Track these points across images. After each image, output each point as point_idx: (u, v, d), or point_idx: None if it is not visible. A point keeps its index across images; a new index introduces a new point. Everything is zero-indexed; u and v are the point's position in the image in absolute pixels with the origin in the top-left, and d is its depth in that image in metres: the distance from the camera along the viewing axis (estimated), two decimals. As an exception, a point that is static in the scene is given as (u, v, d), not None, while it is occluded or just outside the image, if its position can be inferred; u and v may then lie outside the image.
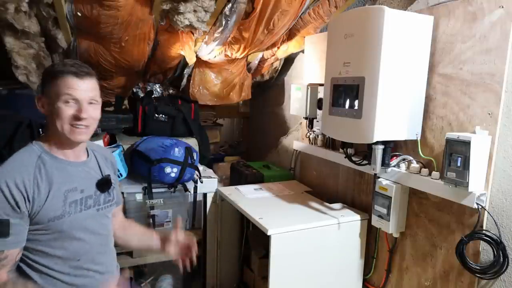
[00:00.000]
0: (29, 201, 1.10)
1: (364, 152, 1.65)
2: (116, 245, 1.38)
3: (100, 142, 1.97)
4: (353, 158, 1.71)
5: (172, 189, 2.03)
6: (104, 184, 1.28)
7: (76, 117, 1.14)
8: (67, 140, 1.17)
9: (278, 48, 2.34)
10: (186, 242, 1.40)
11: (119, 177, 1.83)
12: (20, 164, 1.12)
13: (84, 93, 1.15)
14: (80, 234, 1.21)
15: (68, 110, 1.13)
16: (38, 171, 1.13)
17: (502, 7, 1.22)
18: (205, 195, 2.15)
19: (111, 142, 2.17)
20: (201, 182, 2.11)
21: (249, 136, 3.50)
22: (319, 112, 2.01)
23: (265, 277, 1.68)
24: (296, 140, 2.39)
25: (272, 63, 2.60)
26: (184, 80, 2.53)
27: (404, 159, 1.56)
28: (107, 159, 1.39)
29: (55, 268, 1.17)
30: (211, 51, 2.20)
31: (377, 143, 1.47)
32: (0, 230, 1.06)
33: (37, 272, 1.16)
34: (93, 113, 1.18)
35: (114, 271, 1.36)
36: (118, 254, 1.41)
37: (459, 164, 1.25)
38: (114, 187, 1.36)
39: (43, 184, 1.13)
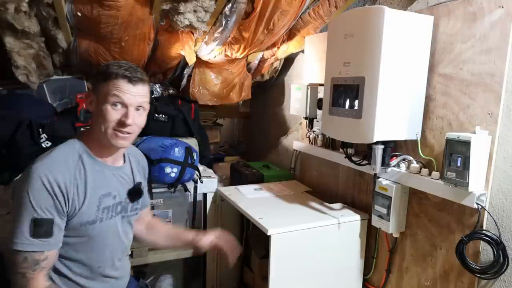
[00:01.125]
0: (68, 202, 1.08)
1: (364, 152, 1.65)
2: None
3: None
4: (353, 158, 1.71)
5: (172, 189, 2.03)
6: (135, 194, 1.27)
7: (121, 123, 1.11)
8: (108, 143, 1.14)
9: (278, 48, 2.34)
10: (229, 238, 1.43)
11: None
12: (62, 162, 1.09)
13: (133, 98, 1.12)
14: (106, 240, 1.20)
15: (114, 114, 1.10)
16: (78, 172, 1.11)
17: (502, 7, 1.22)
18: (205, 195, 2.15)
19: (111, 142, 2.17)
20: (201, 182, 2.11)
21: (249, 136, 3.50)
22: (319, 112, 2.01)
23: (265, 277, 1.68)
24: (296, 140, 2.39)
25: (272, 63, 2.60)
26: (184, 80, 2.53)
27: (404, 159, 1.56)
28: (139, 163, 1.37)
29: (74, 270, 1.16)
30: (211, 51, 2.20)
31: (377, 143, 1.47)
32: (45, 229, 1.04)
33: (56, 273, 1.15)
34: (138, 120, 1.15)
35: (127, 275, 1.36)
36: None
37: (459, 164, 1.25)
38: (143, 195, 1.34)
39: (81, 187, 1.11)
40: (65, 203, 1.07)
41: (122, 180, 1.24)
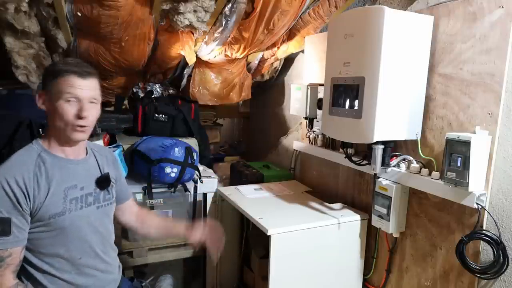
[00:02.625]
0: (29, 198, 1.11)
1: (364, 152, 1.65)
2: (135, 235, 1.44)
3: (100, 142, 1.97)
4: (353, 158, 1.71)
5: (172, 189, 2.03)
6: (103, 182, 1.30)
7: (78, 116, 1.15)
8: (66, 138, 1.19)
9: (278, 48, 2.34)
10: (215, 231, 1.49)
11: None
12: (20, 163, 1.14)
13: (85, 92, 1.16)
14: (81, 231, 1.22)
15: (69, 109, 1.15)
16: (38, 169, 1.15)
17: (502, 7, 1.22)
18: (205, 195, 2.15)
19: (111, 142, 2.17)
20: (201, 182, 2.11)
21: (249, 136, 3.50)
22: (319, 112, 2.01)
23: (265, 277, 1.68)
24: (296, 140, 2.39)
25: (272, 63, 2.60)
26: (184, 80, 2.53)
27: (404, 159, 1.56)
28: (108, 158, 1.40)
29: (57, 266, 1.18)
30: (211, 51, 2.20)
31: (377, 143, 1.47)
32: (1, 228, 1.07)
33: (39, 271, 1.16)
34: (92, 112, 1.19)
35: (116, 271, 1.36)
36: (118, 254, 1.41)
37: (459, 164, 1.25)
38: (114, 185, 1.37)
39: (43, 182, 1.14)
40: (26, 200, 1.10)
41: (88, 172, 1.27)
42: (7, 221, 1.08)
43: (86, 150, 1.32)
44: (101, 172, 1.31)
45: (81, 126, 1.17)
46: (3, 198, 1.08)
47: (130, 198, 1.53)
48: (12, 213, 1.08)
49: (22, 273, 1.16)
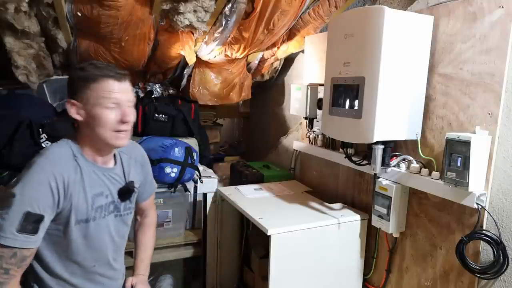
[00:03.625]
0: (66, 198, 1.08)
1: (364, 152, 1.65)
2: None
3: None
4: (353, 158, 1.71)
5: (172, 189, 2.03)
6: (125, 193, 1.27)
7: (122, 121, 1.11)
8: (106, 146, 1.15)
9: (278, 48, 2.34)
10: None
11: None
12: (62, 160, 1.11)
13: (124, 96, 1.12)
14: (100, 239, 1.20)
15: (110, 116, 1.10)
16: (74, 170, 1.12)
17: (502, 7, 1.22)
18: (205, 195, 2.15)
19: (111, 142, 2.17)
20: (201, 182, 2.11)
21: (249, 136, 3.50)
22: (319, 112, 2.01)
23: (265, 277, 1.68)
24: (296, 140, 2.39)
25: (272, 63, 2.60)
26: (184, 80, 2.53)
27: (404, 159, 1.56)
28: (136, 160, 1.36)
29: (70, 270, 1.17)
30: (211, 51, 2.20)
31: (377, 143, 1.47)
32: (32, 226, 1.02)
33: (50, 273, 1.15)
34: (133, 117, 1.15)
35: (121, 277, 1.36)
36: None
37: (459, 164, 1.25)
38: (137, 192, 1.34)
39: (78, 184, 1.12)
40: (64, 197, 1.08)
41: (113, 180, 1.25)
42: (40, 219, 1.04)
43: (115, 158, 1.28)
44: (126, 181, 1.28)
45: (122, 131, 1.13)
46: (45, 194, 1.03)
47: (150, 198, 1.51)
48: (47, 211, 1.05)
49: (31, 273, 1.14)
